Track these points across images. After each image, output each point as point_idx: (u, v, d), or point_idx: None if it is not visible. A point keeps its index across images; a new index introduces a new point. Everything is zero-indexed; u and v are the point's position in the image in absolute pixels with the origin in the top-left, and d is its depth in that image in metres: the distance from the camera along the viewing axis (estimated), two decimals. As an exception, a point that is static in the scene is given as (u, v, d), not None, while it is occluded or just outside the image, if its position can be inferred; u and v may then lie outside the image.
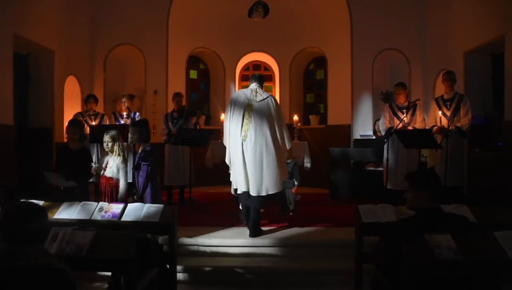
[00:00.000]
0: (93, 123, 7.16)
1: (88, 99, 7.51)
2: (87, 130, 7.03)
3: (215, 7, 9.63)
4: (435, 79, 8.19)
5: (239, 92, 5.60)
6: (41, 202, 3.98)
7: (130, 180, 5.21)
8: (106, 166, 4.92)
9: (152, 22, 9.02)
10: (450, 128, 6.24)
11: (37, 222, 2.25)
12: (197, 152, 7.47)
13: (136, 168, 5.01)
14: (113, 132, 4.95)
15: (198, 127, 7.46)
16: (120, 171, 4.86)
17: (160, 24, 9.05)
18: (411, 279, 2.60)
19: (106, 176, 4.89)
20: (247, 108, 5.22)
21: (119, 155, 4.90)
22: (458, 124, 6.30)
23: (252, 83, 5.51)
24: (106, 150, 4.95)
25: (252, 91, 5.40)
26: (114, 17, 8.92)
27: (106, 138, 4.92)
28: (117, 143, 4.91)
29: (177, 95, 7.50)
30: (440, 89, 7.20)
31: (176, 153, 7.23)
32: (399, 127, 6.58)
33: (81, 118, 7.21)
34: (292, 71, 10.40)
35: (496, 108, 6.87)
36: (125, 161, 4.94)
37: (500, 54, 6.48)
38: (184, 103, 7.48)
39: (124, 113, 7.59)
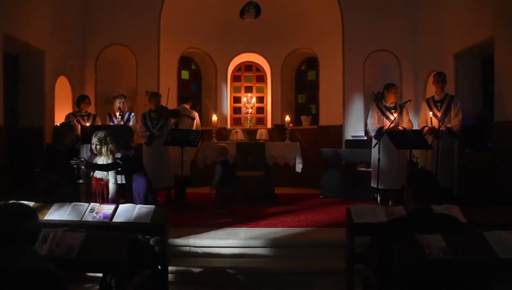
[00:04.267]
0: (87, 124, 7.10)
1: (83, 99, 7.41)
2: (79, 130, 6.98)
3: (207, 7, 9.63)
4: (426, 80, 8.24)
5: None
6: (31, 203, 3.96)
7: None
8: None
9: (144, 23, 8.98)
10: (441, 129, 6.28)
11: (27, 224, 2.23)
12: (191, 153, 7.46)
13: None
14: (100, 134, 4.92)
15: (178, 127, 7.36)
16: (110, 172, 4.84)
17: (152, 25, 9.02)
18: (402, 279, 2.62)
19: (96, 177, 4.87)
20: None
21: (107, 156, 4.88)
22: (449, 125, 6.34)
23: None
24: (94, 152, 4.93)
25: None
26: (105, 17, 8.87)
27: (94, 140, 4.91)
28: (106, 145, 4.88)
29: (155, 95, 7.30)
30: (431, 90, 7.25)
31: (158, 154, 7.03)
32: (390, 127, 6.60)
33: (73, 119, 7.15)
34: (283, 71, 10.41)
35: (486, 109, 6.93)
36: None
37: (490, 55, 6.54)
38: (161, 103, 7.34)
39: (117, 114, 7.54)
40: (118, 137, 4.96)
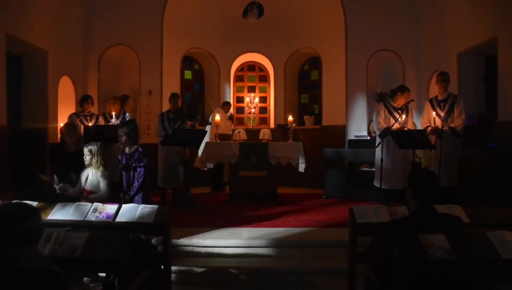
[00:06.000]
0: (90, 124, 7.11)
1: (86, 99, 7.39)
2: (81, 130, 6.98)
3: (210, 7, 9.64)
4: (429, 80, 8.23)
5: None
6: (34, 203, 3.97)
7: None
8: (87, 179, 4.86)
9: (147, 23, 9.00)
10: (444, 128, 6.26)
11: (30, 224, 2.23)
12: (190, 152, 7.45)
13: (125, 169, 4.96)
14: (91, 146, 4.82)
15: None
16: (101, 183, 4.77)
17: (155, 25, 9.04)
18: (403, 279, 2.61)
19: (87, 190, 4.82)
20: None
21: (98, 168, 4.82)
22: (452, 125, 6.33)
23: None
24: (85, 163, 4.86)
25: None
26: (108, 18, 8.89)
27: (85, 150, 4.83)
28: (96, 156, 4.79)
29: (175, 97, 7.42)
30: (434, 90, 7.24)
31: (171, 154, 7.10)
32: (395, 127, 6.57)
33: (76, 119, 7.16)
34: (286, 71, 10.42)
35: (489, 109, 6.91)
36: (104, 174, 4.84)
37: (493, 55, 6.53)
38: (180, 104, 7.48)
39: (113, 114, 7.53)
40: (129, 130, 4.97)
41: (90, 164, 4.82)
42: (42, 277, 2.14)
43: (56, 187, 4.70)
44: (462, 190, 6.47)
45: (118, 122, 7.30)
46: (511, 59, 6.04)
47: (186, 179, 6.73)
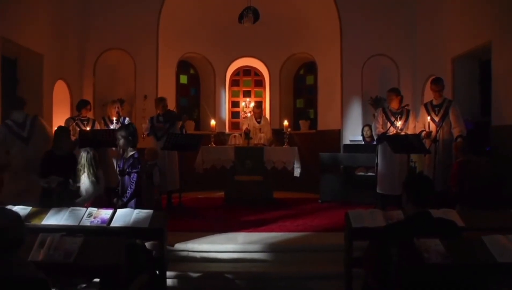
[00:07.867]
0: (88, 129, 7.09)
1: (85, 105, 7.32)
2: (77, 135, 6.95)
3: (206, 12, 9.65)
4: (424, 85, 8.25)
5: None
6: (28, 208, 3.95)
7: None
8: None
9: (142, 27, 8.99)
10: (438, 134, 6.28)
11: (15, 230, 2.20)
12: (186, 156, 7.44)
13: (121, 174, 4.94)
14: (83, 152, 4.79)
15: (184, 131, 7.43)
16: (87, 193, 4.73)
17: (150, 29, 9.03)
18: (400, 283, 2.62)
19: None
20: None
21: (88, 178, 4.77)
22: (459, 133, 6.23)
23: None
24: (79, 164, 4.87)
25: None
26: (104, 22, 8.89)
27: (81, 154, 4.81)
28: (88, 167, 4.77)
29: (161, 100, 7.47)
30: (429, 95, 7.26)
31: (163, 158, 7.10)
32: (392, 133, 6.58)
33: (72, 123, 7.13)
34: (282, 76, 10.42)
35: (483, 113, 6.94)
36: (94, 185, 4.80)
37: (487, 60, 6.57)
38: (169, 107, 7.47)
39: (114, 118, 7.52)
40: (128, 134, 4.96)
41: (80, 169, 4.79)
42: (30, 286, 2.10)
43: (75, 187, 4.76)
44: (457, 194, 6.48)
45: (118, 126, 7.29)
46: (505, 64, 6.08)
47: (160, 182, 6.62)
